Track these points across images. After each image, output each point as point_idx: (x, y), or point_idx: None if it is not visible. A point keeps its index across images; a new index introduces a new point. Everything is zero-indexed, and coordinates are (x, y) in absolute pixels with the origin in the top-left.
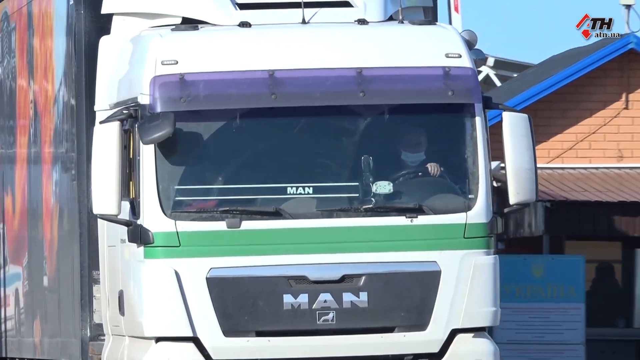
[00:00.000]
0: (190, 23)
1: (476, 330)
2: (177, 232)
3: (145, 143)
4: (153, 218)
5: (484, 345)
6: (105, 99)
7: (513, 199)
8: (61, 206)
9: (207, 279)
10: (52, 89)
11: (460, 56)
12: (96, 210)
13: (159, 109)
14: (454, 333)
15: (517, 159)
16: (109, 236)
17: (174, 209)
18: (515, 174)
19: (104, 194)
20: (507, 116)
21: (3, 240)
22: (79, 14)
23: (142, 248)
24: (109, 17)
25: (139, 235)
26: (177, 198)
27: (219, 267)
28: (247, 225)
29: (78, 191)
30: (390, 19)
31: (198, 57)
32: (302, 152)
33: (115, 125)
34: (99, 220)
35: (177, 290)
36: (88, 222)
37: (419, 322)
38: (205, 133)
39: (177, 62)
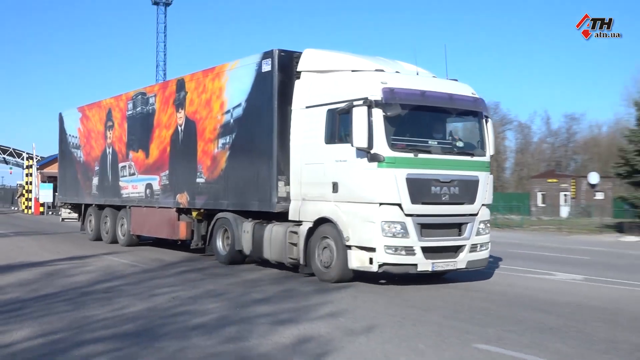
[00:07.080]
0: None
1: (486, 205)
2: (394, 157)
3: (387, 116)
4: (383, 149)
5: (488, 211)
6: (300, 104)
7: (491, 152)
8: (234, 151)
9: (406, 178)
10: (220, 109)
11: (475, 93)
12: (356, 144)
13: (389, 101)
14: (482, 206)
15: (493, 138)
16: (305, 159)
17: (391, 146)
18: (492, 143)
19: (361, 138)
20: (489, 121)
21: (131, 167)
22: (274, 73)
23: (375, 163)
24: (286, 71)
25: (375, 157)
26: (392, 142)
27: (410, 173)
28: (420, 155)
29: (272, 146)
30: None
31: (391, 82)
32: (433, 126)
33: (364, 108)
34: (292, 152)
35: (393, 182)
36: (277, 155)
37: (472, 200)
38: (402, 112)
39: (386, 83)
